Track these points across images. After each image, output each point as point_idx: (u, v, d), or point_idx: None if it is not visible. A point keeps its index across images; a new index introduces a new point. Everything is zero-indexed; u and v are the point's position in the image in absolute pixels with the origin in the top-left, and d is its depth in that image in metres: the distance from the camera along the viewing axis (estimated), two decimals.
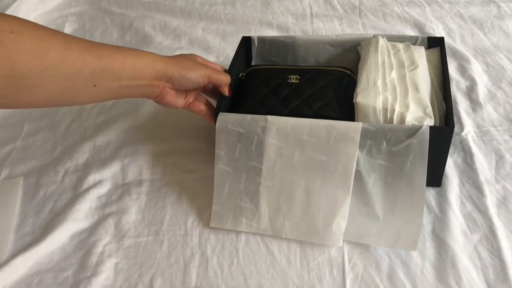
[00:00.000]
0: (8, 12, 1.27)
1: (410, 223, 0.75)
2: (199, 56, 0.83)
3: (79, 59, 0.62)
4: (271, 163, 0.79)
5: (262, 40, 1.00)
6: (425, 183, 0.74)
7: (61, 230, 0.80)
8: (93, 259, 0.77)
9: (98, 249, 0.78)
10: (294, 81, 0.89)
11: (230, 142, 0.80)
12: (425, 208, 0.79)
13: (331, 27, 1.26)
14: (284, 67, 0.93)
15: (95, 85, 0.66)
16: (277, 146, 0.78)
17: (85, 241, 0.80)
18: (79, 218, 0.83)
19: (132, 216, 0.83)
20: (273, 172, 0.79)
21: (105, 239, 0.80)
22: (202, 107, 0.85)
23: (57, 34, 0.62)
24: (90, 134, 1.00)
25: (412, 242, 0.74)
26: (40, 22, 1.36)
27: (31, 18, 1.36)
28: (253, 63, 1.03)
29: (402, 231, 0.75)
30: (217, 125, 0.80)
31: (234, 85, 0.93)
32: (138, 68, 0.71)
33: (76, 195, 0.87)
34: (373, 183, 0.76)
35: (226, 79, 0.83)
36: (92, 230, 0.82)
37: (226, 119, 0.79)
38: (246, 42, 1.00)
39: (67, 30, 1.34)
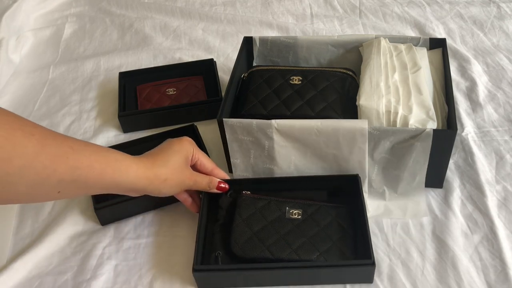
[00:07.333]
0: (8, 12, 1.27)
1: (415, 201, 0.80)
2: (191, 150, 0.74)
3: (49, 167, 0.55)
4: (286, 164, 0.80)
5: (264, 40, 1.00)
6: (425, 172, 0.78)
7: (60, 232, 0.80)
8: (93, 261, 0.77)
9: (98, 251, 0.78)
10: (296, 82, 0.89)
11: (243, 150, 0.81)
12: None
13: (331, 28, 1.26)
14: (286, 68, 0.93)
15: (59, 192, 0.59)
16: (288, 148, 0.79)
17: (84, 244, 0.80)
18: (78, 220, 0.83)
19: (131, 217, 0.83)
20: (289, 171, 0.81)
21: (104, 241, 0.80)
22: (186, 196, 0.78)
23: (33, 134, 0.54)
24: (89, 135, 1.00)
25: (421, 211, 0.79)
26: (40, 22, 1.36)
27: (31, 18, 1.36)
28: (254, 64, 1.03)
29: (409, 205, 0.80)
30: (227, 135, 0.80)
31: (237, 86, 0.93)
32: (115, 183, 0.64)
33: None
34: (377, 172, 0.79)
35: (211, 185, 0.76)
36: (92, 232, 0.81)
37: (234, 129, 0.79)
38: (247, 42, 1.00)
39: (67, 30, 1.34)
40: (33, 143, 0.54)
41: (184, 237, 0.80)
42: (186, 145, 0.74)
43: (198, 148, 0.76)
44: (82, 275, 0.75)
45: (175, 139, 0.74)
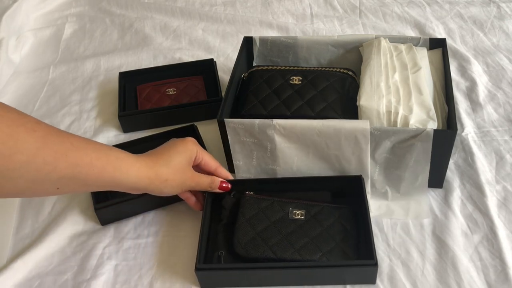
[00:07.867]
0: (8, 12, 1.26)
1: (417, 202, 0.80)
2: (194, 151, 0.74)
3: (50, 163, 0.56)
4: (288, 164, 0.80)
5: (264, 40, 1.00)
6: (427, 172, 0.77)
7: (60, 232, 0.80)
8: (93, 261, 0.77)
9: (98, 251, 0.78)
10: (296, 82, 0.89)
11: (245, 151, 0.81)
12: None
13: (331, 28, 1.26)
14: (286, 68, 0.93)
15: (58, 188, 0.59)
16: (290, 149, 0.79)
17: (84, 244, 0.80)
18: (78, 220, 0.83)
19: (131, 217, 0.83)
20: (291, 171, 0.81)
21: (104, 241, 0.80)
22: (189, 195, 0.78)
23: (36, 130, 0.55)
24: (89, 135, 1.00)
25: (424, 212, 0.79)
26: (40, 23, 1.36)
27: (31, 18, 1.36)
28: (254, 64, 1.03)
29: (411, 206, 0.79)
30: (229, 137, 0.80)
31: (237, 86, 0.93)
32: (115, 181, 0.64)
33: (75, 196, 0.86)
34: (378, 172, 0.79)
35: (213, 185, 0.76)
36: (92, 232, 0.81)
37: (236, 131, 0.79)
38: (247, 42, 1.00)
39: (67, 30, 1.34)
40: (35, 139, 0.55)
41: (184, 237, 0.79)
42: (190, 146, 0.74)
43: (202, 148, 0.76)
44: (82, 275, 0.75)
45: (179, 140, 0.74)
